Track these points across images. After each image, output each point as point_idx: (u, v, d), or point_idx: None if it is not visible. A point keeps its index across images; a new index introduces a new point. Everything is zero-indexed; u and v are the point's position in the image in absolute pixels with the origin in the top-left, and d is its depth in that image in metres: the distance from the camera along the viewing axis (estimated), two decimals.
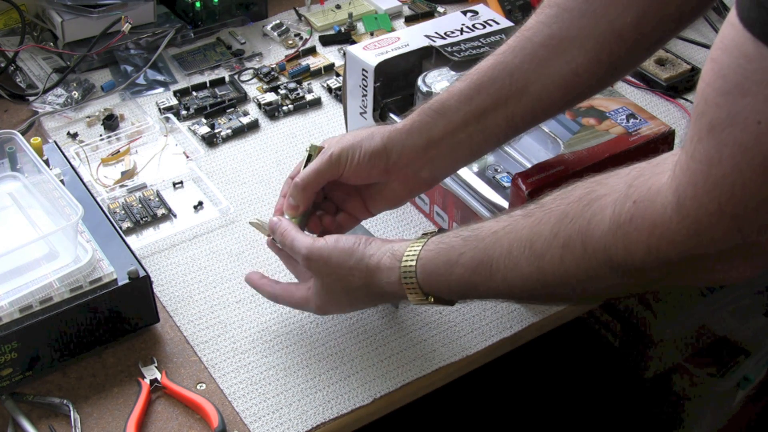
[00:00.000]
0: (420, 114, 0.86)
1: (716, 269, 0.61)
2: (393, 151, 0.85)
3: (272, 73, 1.26)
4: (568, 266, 0.66)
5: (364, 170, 0.86)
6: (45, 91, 1.19)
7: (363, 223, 1.02)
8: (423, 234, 0.80)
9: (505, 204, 0.94)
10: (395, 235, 1.03)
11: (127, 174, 1.08)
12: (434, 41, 1.06)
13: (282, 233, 0.85)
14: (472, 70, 0.86)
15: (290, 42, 1.32)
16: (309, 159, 0.88)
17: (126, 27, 1.21)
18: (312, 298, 0.85)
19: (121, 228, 0.99)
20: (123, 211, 1.03)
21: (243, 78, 1.26)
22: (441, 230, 0.80)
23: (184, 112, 1.19)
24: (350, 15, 1.35)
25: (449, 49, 1.05)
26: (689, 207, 0.57)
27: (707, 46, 1.32)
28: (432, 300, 0.78)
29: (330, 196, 0.91)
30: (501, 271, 0.71)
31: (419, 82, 1.03)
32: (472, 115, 0.84)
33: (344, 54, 1.15)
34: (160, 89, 1.23)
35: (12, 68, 1.23)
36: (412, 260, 0.77)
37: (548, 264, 0.68)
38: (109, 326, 0.87)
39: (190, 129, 1.17)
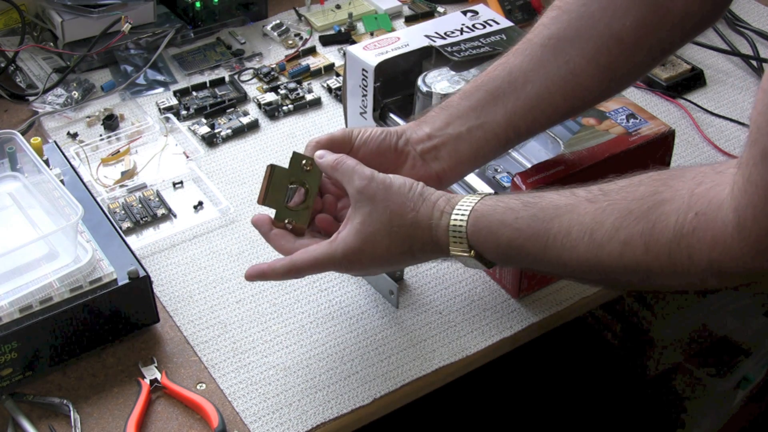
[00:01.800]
0: (429, 111, 0.88)
1: None
2: (404, 134, 0.86)
3: (272, 73, 1.26)
4: (627, 262, 0.68)
5: (375, 143, 0.85)
6: (45, 91, 1.19)
7: None
8: (479, 193, 0.79)
9: None
10: None
11: (127, 174, 1.08)
12: (434, 41, 1.06)
13: (339, 159, 0.81)
14: (479, 74, 0.87)
15: (290, 42, 1.32)
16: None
17: (126, 27, 1.21)
18: (341, 246, 0.79)
19: (121, 228, 0.99)
20: (123, 211, 1.03)
21: (243, 78, 1.26)
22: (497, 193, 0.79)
23: (184, 112, 1.19)
24: (350, 15, 1.35)
25: (449, 49, 1.05)
26: (750, 228, 0.59)
27: (707, 47, 1.32)
28: (473, 254, 0.77)
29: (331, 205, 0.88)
30: (557, 248, 0.71)
31: (419, 82, 1.03)
32: (471, 109, 0.85)
33: (344, 54, 1.15)
34: (160, 89, 1.23)
35: (12, 68, 1.23)
36: (466, 210, 0.76)
37: (607, 256, 0.68)
38: (109, 326, 0.87)
39: (190, 129, 1.17)
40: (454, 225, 0.76)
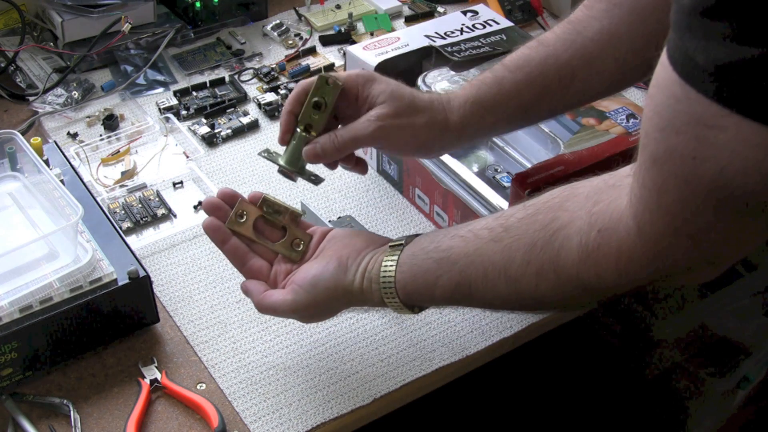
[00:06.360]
0: (473, 100, 0.86)
1: (682, 277, 0.65)
2: (440, 108, 0.85)
3: (272, 73, 1.26)
4: (544, 291, 0.70)
5: (395, 83, 0.84)
6: (45, 91, 1.19)
7: (363, 222, 1.03)
8: (390, 246, 0.80)
9: (505, 204, 0.94)
10: (395, 234, 1.03)
11: (127, 174, 1.08)
12: (434, 41, 1.06)
13: (259, 300, 0.83)
14: (522, 58, 0.86)
15: (290, 42, 1.32)
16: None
17: (126, 27, 1.21)
18: (297, 302, 0.82)
19: (121, 228, 0.99)
20: (123, 211, 1.03)
21: (243, 78, 1.26)
22: (407, 239, 0.79)
23: (184, 112, 1.19)
24: (350, 15, 1.35)
25: (449, 49, 1.05)
26: (650, 232, 0.60)
27: None
28: (417, 311, 0.80)
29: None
30: (480, 291, 0.74)
31: (419, 82, 1.03)
32: (520, 110, 0.87)
33: (344, 54, 1.15)
34: (160, 89, 1.23)
35: (12, 68, 1.23)
36: (389, 284, 0.78)
37: (524, 288, 0.71)
38: (109, 326, 0.87)
39: (190, 129, 1.17)
40: (387, 297, 0.78)
